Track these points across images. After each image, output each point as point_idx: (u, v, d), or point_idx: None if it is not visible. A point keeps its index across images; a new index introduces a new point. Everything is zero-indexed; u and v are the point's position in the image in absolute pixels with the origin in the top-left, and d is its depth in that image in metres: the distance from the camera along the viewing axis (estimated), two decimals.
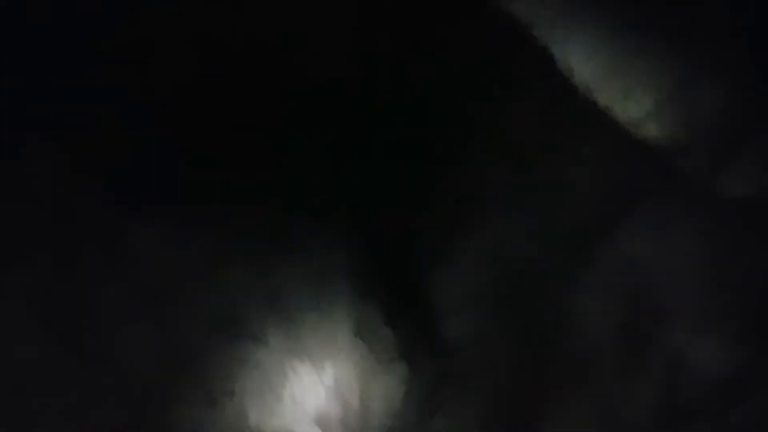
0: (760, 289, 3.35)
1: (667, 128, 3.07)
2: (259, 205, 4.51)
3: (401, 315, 4.51)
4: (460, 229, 4.40)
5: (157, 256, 4.09)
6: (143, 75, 4.19)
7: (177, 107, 4.51)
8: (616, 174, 3.55)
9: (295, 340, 4.44)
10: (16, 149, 3.76)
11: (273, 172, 4.56)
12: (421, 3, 3.97)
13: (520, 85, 3.51)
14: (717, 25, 2.80)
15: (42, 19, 3.89)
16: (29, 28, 3.87)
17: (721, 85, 2.83)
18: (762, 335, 3.28)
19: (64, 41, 4.03)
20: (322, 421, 4.27)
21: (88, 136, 3.99)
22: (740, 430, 3.01)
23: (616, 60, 2.94)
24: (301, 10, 4.58)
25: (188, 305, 4.13)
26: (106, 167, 4.06)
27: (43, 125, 3.82)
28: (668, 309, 3.51)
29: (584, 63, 3.02)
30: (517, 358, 3.94)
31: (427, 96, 4.22)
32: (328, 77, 4.55)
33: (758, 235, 3.35)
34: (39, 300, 3.58)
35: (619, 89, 3.03)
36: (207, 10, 4.57)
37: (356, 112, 4.84)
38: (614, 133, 3.27)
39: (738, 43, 2.91)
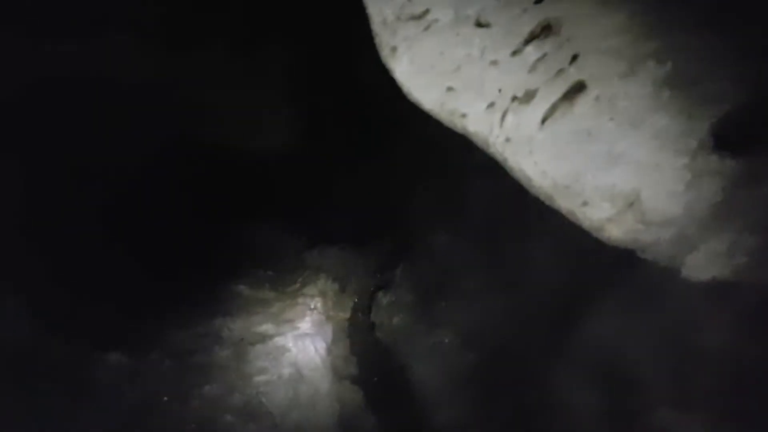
0: (734, 360, 3.56)
1: (629, 230, 3.20)
2: (219, 312, 4.56)
3: (384, 402, 4.65)
4: (432, 309, 4.54)
5: (124, 383, 4.10)
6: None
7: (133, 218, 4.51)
8: (582, 263, 3.72)
9: None
10: None
11: (234, 272, 4.61)
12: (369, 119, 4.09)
13: (476, 185, 3.64)
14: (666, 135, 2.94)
15: None
16: None
17: (674, 192, 2.99)
18: (746, 408, 3.46)
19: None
20: None
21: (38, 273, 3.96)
22: None
23: (572, 174, 3.06)
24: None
25: (165, 426, 4.15)
26: (64, 300, 4.05)
27: None
28: (648, 386, 3.72)
29: (542, 175, 3.13)
30: None
31: (378, 188, 4.33)
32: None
33: (725, 313, 3.56)
34: None
35: (578, 197, 3.13)
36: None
37: (316, 202, 4.90)
38: (577, 231, 3.41)
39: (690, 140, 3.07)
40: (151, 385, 4.17)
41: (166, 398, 4.13)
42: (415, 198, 4.38)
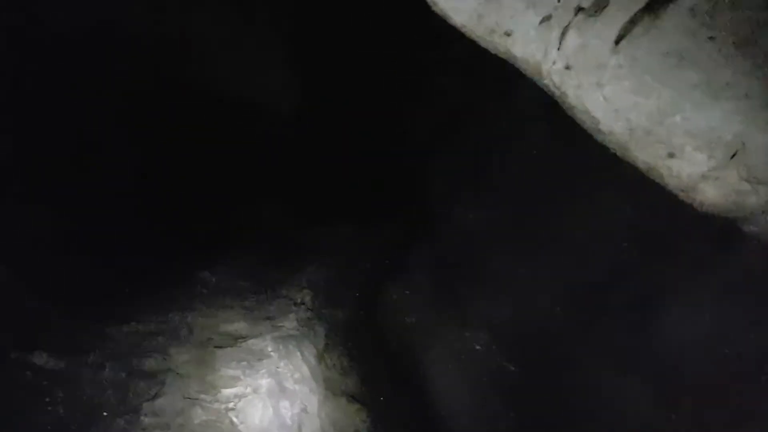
0: None
1: (730, 191, 2.58)
2: (176, 305, 3.84)
3: (393, 428, 3.90)
4: (457, 304, 3.81)
5: (54, 392, 3.37)
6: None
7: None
8: (661, 239, 3.04)
9: None
10: None
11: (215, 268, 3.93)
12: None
13: (516, 135, 2.93)
14: None
15: None
16: None
17: None
18: None
19: None
20: None
21: None
22: None
23: (655, 114, 2.41)
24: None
25: None
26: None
27: None
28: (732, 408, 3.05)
29: (615, 116, 2.46)
30: None
31: (390, 147, 3.66)
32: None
33: None
34: None
35: (663, 146, 2.52)
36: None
37: (314, 166, 4.22)
38: (654, 196, 2.76)
39: None
40: (88, 395, 3.49)
41: (106, 413, 3.40)
42: (435, 158, 3.66)
